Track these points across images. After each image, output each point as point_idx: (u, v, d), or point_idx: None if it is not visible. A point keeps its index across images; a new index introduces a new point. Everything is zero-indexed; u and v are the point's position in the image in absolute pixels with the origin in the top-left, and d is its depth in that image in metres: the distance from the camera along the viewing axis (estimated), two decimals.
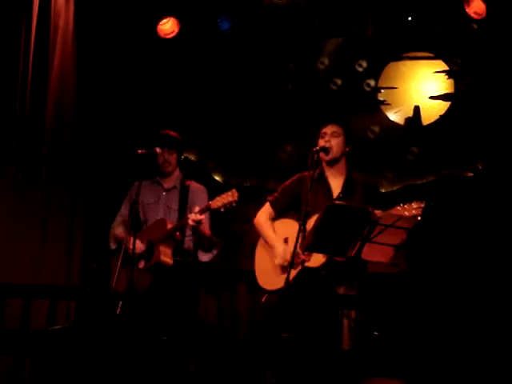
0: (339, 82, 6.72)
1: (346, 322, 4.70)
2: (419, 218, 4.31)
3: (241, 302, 6.46)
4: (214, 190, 6.65)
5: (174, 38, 6.66)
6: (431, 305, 5.93)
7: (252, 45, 6.78)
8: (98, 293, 5.43)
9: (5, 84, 5.98)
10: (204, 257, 5.31)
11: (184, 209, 5.27)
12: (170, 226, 5.13)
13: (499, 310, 5.80)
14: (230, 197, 4.88)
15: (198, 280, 5.43)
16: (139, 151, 5.07)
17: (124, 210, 5.44)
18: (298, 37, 6.69)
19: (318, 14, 6.57)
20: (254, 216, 5.14)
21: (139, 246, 5.10)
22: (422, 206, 4.34)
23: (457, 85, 6.54)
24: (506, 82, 6.25)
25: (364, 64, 6.66)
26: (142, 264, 5.15)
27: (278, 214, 5.05)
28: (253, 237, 5.26)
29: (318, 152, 4.77)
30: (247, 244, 5.41)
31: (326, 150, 4.83)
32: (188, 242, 5.28)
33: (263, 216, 5.08)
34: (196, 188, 5.42)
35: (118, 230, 5.34)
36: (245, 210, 5.82)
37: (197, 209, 4.98)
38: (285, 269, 4.64)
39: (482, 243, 6.07)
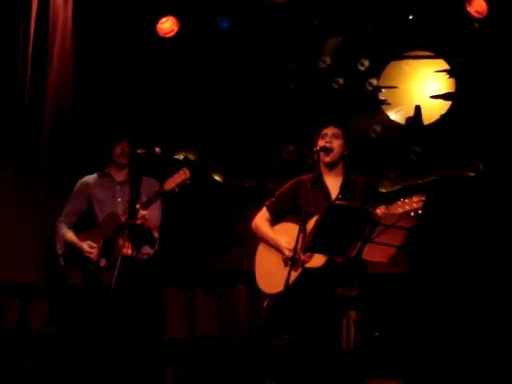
0: (341, 81, 6.69)
1: (346, 322, 4.68)
2: (420, 212, 4.28)
3: (241, 302, 6.45)
4: (214, 190, 6.66)
5: (173, 36, 6.64)
6: (432, 306, 5.92)
7: (253, 44, 6.76)
8: (98, 293, 5.40)
9: (3, 82, 5.98)
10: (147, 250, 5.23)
11: (135, 202, 5.06)
12: (123, 218, 5.01)
13: (499, 310, 5.79)
14: (182, 175, 4.83)
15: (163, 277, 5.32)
16: (138, 151, 5.05)
17: (72, 207, 5.34)
18: (299, 36, 6.66)
19: (319, 13, 6.55)
20: (254, 217, 5.10)
21: (92, 247, 5.08)
22: (423, 199, 4.31)
23: (459, 84, 6.51)
24: (508, 82, 6.23)
25: (366, 63, 6.64)
26: (103, 262, 5.07)
27: (275, 218, 5.00)
28: (253, 237, 5.22)
29: (318, 152, 4.75)
30: (247, 244, 5.39)
31: (326, 150, 4.80)
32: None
33: (260, 219, 5.03)
34: (148, 180, 5.28)
35: (68, 234, 5.26)
36: (245, 210, 5.81)
37: (137, 206, 4.88)
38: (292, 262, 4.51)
39: (484, 243, 6.05)
